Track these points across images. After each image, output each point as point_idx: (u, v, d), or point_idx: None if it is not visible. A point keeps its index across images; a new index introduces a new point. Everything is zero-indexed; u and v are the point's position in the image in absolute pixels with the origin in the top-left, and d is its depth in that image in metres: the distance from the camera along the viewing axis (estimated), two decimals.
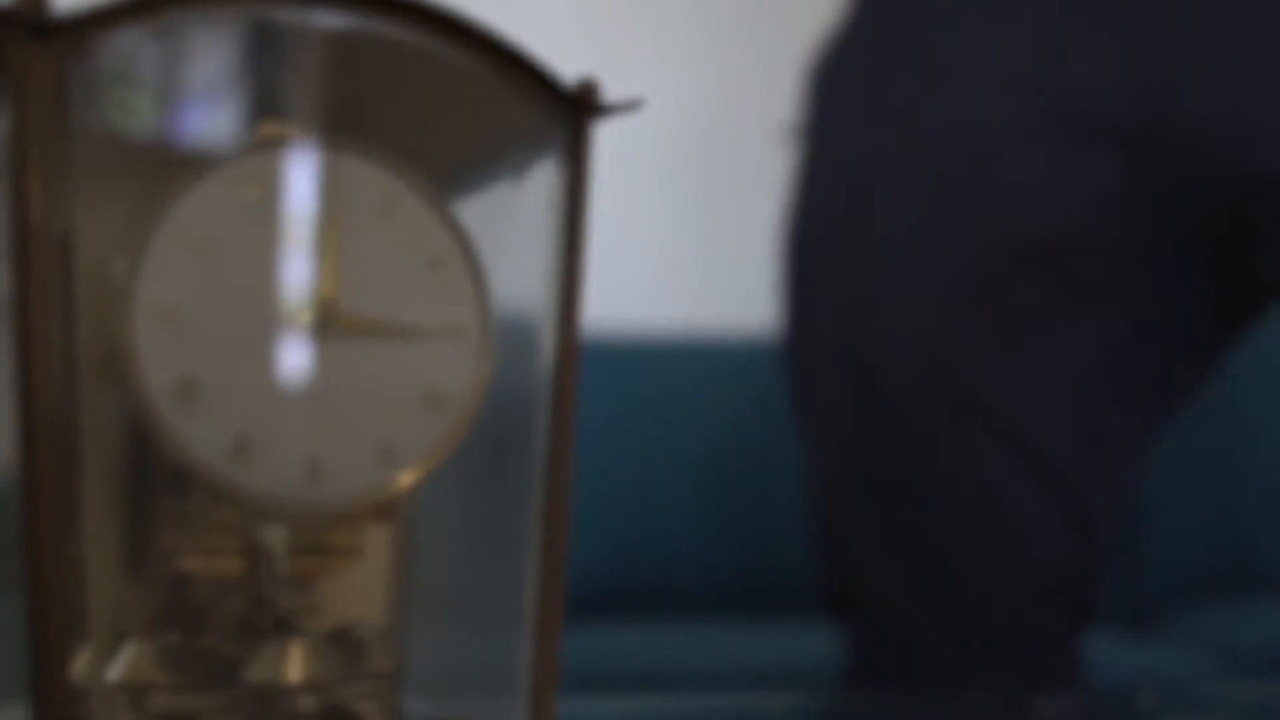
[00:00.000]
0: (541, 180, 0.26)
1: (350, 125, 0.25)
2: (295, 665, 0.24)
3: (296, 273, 0.25)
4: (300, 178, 0.25)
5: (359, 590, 0.29)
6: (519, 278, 0.27)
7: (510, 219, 0.27)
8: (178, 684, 0.24)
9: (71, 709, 0.22)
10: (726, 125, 1.41)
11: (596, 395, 0.89)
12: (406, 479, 0.25)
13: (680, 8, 1.43)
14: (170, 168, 0.24)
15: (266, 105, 0.26)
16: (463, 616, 0.29)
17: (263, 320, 0.24)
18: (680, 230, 1.42)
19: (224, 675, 0.25)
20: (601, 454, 1.14)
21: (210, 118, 0.26)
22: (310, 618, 0.27)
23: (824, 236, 0.72)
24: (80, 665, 0.24)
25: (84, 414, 0.24)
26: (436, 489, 0.27)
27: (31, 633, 0.22)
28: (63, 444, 0.22)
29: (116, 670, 0.25)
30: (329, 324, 0.25)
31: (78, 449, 0.24)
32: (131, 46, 0.23)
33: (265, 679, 0.24)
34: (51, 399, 0.22)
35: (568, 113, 0.25)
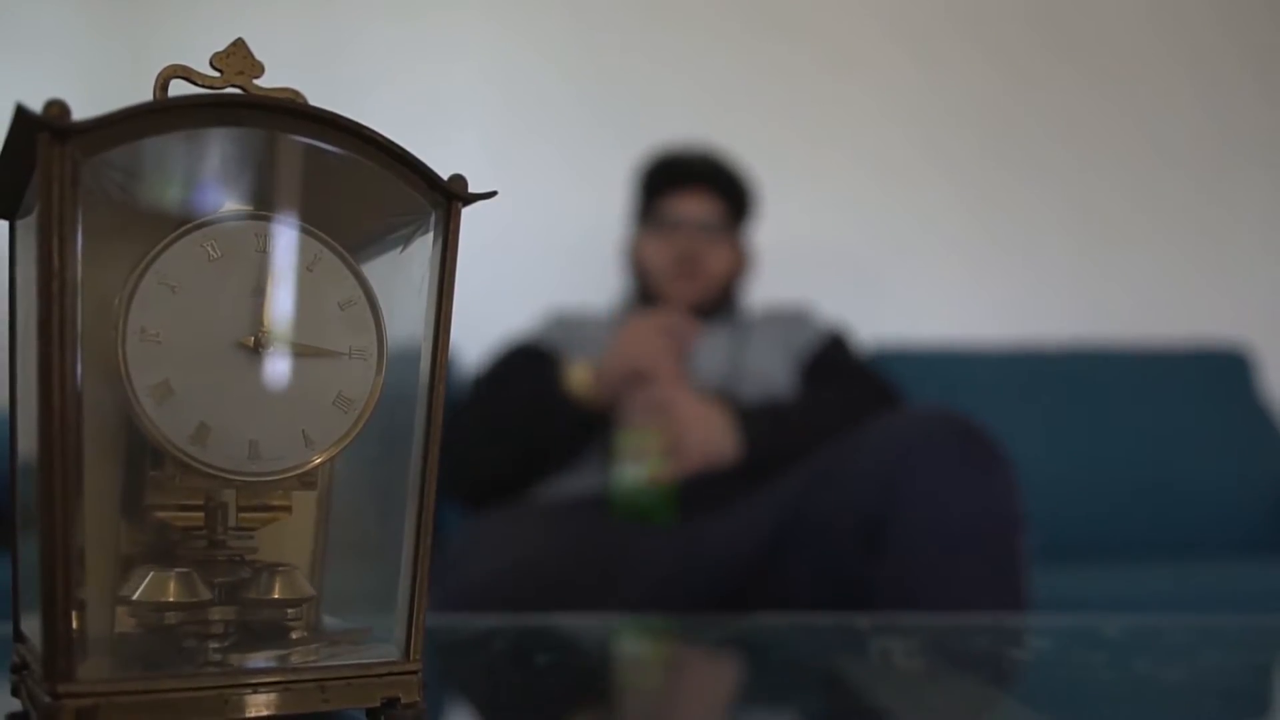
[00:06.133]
0: (424, 247, 0.35)
1: (288, 204, 0.34)
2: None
3: (245, 308, 0.34)
4: (250, 240, 0.34)
5: (290, 538, 0.38)
6: (406, 317, 0.36)
7: (401, 274, 0.37)
8: (159, 602, 0.33)
9: (70, 618, 0.29)
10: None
11: None
12: (320, 459, 0.34)
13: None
14: (155, 230, 0.33)
15: (228, 187, 0.35)
16: (363, 556, 0.39)
17: (219, 342, 0.33)
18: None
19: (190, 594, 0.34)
20: None
21: (188, 195, 0.35)
22: (253, 556, 0.36)
23: None
24: (81, 589, 0.33)
25: (87, 408, 0.32)
26: (345, 467, 0.37)
27: (43, 565, 0.29)
28: (69, 430, 0.29)
29: (126, 590, 0.33)
30: (267, 346, 0.34)
31: (80, 434, 0.31)
32: (132, 145, 0.32)
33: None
34: (62, 398, 0.29)
35: (442, 198, 0.34)
